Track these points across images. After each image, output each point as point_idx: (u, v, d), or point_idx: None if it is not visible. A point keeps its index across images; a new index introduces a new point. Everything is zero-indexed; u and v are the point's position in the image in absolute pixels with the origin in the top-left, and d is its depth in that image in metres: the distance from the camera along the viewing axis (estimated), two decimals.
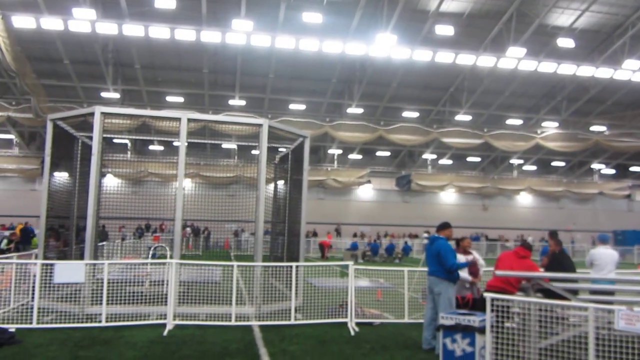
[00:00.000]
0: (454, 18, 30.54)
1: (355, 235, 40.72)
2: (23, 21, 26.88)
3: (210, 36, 28.91)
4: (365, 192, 46.97)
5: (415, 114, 40.76)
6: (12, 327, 8.43)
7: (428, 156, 46.23)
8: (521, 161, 48.05)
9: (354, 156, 45.16)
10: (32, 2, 27.07)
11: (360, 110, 38.88)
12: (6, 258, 11.84)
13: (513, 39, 30.51)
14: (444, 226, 8.52)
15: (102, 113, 10.66)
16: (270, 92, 37.44)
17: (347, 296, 9.86)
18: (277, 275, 10.72)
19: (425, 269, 11.68)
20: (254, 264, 10.43)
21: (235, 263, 10.02)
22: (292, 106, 39.39)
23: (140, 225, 31.98)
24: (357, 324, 9.63)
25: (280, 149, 14.28)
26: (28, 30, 27.74)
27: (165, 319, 9.15)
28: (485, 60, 32.01)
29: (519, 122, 42.18)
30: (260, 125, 11.20)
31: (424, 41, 31.26)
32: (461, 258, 8.56)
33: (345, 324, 9.57)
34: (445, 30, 30.69)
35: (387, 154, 46.20)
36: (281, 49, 30.70)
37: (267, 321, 9.67)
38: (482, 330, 6.38)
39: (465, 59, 31.81)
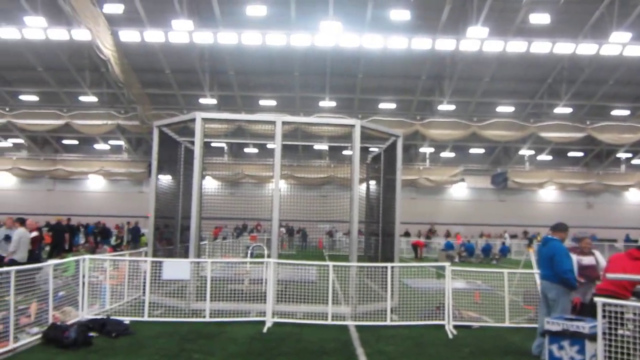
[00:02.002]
0: (550, 5, 28.88)
1: (448, 234, 39.75)
2: (129, 35, 29.08)
3: (299, 39, 29.51)
4: (459, 191, 45.70)
5: (511, 109, 39.05)
6: (126, 320, 9.15)
7: (525, 152, 44.05)
8: (629, 155, 44.33)
9: (447, 154, 44.06)
10: (136, 18, 29.07)
11: (451, 107, 37.87)
12: (119, 256, 12.80)
13: (616, 23, 28.35)
14: (560, 227, 7.87)
15: (203, 119, 11.22)
16: (360, 92, 37.43)
17: (443, 298, 9.69)
18: (372, 276, 10.74)
19: (527, 270, 11.18)
20: (350, 264, 10.52)
21: (331, 263, 10.15)
22: (382, 105, 39.15)
23: (238, 225, 33.27)
24: (455, 326, 9.42)
25: (371, 149, 14.32)
26: (133, 43, 29.89)
27: (264, 316, 9.46)
28: (586, 48, 29.94)
29: (625, 112, 39.04)
30: (352, 126, 11.30)
31: (518, 31, 29.89)
32: (573, 258, 8.06)
33: (442, 326, 9.40)
34: (540, 18, 29.05)
35: (481, 151, 44.60)
36: (369, 48, 30.67)
37: (363, 321, 9.71)
38: (592, 338, 6.01)
39: (564, 47, 29.94)
